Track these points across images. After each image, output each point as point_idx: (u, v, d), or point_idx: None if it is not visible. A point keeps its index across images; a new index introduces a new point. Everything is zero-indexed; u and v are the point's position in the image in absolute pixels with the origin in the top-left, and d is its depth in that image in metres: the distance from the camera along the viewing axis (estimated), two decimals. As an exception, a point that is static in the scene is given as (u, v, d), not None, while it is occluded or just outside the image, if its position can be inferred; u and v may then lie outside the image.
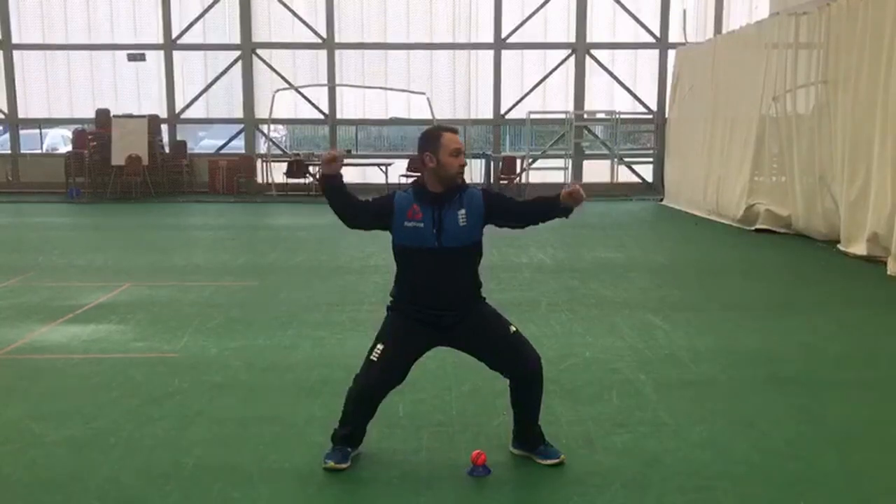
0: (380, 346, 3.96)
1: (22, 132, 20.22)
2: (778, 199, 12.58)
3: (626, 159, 19.93)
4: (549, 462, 4.01)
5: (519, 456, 4.12)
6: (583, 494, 3.74)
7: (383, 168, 18.23)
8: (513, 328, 4.03)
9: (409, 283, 3.99)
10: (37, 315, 7.19)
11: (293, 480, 3.89)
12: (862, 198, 10.03)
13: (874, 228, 9.67)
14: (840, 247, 10.46)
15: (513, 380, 4.02)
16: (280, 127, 20.93)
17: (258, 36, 19.56)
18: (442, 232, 3.88)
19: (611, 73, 19.56)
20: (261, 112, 19.48)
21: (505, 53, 19.43)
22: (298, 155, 19.13)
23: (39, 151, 20.49)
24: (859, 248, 9.95)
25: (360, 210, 4.07)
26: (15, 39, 19.64)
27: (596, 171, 19.86)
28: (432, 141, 3.90)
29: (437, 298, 3.92)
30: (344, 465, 3.97)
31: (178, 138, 19.90)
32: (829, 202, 11.15)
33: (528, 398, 4.04)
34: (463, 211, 3.91)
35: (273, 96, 18.92)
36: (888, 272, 9.04)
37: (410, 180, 18.96)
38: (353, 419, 4.03)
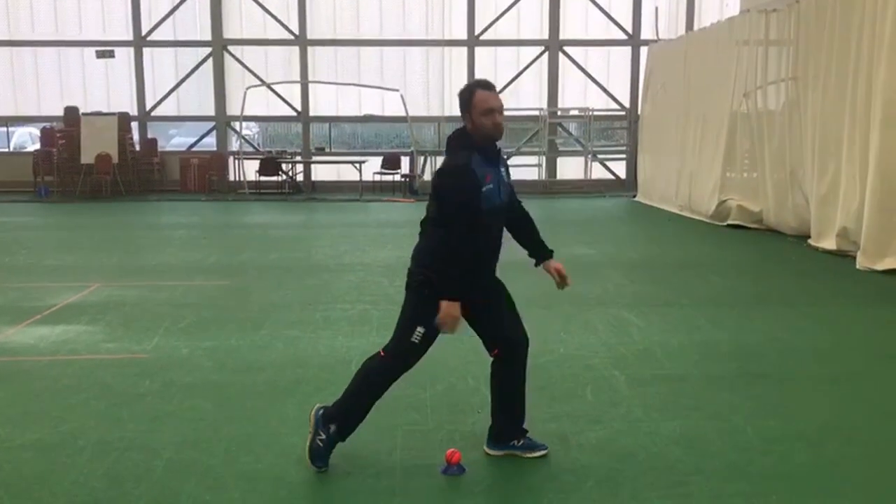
0: (420, 329, 3.87)
1: (-12, 130, 19.90)
2: (749, 195, 12.70)
3: (600, 156, 20.01)
4: (536, 454, 4.05)
5: (495, 456, 4.10)
6: (557, 491, 3.74)
7: (357, 166, 18.16)
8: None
9: (476, 250, 3.85)
10: (4, 316, 7.07)
11: (265, 482, 3.85)
12: (832, 193, 10.15)
13: (843, 223, 9.79)
14: (810, 241, 10.58)
15: (507, 349, 4.03)
16: (252, 124, 20.76)
17: (229, 32, 19.39)
18: (501, 188, 3.88)
19: (584, 70, 19.62)
20: (232, 109, 19.31)
21: (478, 50, 19.42)
22: (271, 153, 19.01)
23: (6, 150, 20.15)
24: (829, 243, 10.07)
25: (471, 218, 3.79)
26: (-20, 36, 19.32)
27: (570, 168, 19.94)
28: (465, 101, 3.86)
29: (491, 254, 3.95)
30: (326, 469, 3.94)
31: (149, 136, 19.69)
32: (800, 197, 11.27)
33: (521, 370, 4.08)
34: (503, 168, 3.96)
35: (245, 93, 18.76)
36: (857, 266, 9.16)
37: (385, 178, 18.96)
38: (367, 400, 3.96)
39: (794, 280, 8.94)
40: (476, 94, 3.83)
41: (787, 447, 4.26)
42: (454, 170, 3.78)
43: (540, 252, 4.15)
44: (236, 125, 19.42)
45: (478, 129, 3.81)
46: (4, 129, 20.28)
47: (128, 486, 3.79)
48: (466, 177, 3.73)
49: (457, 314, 3.75)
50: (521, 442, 4.09)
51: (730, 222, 12.77)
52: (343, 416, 3.95)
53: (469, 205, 3.72)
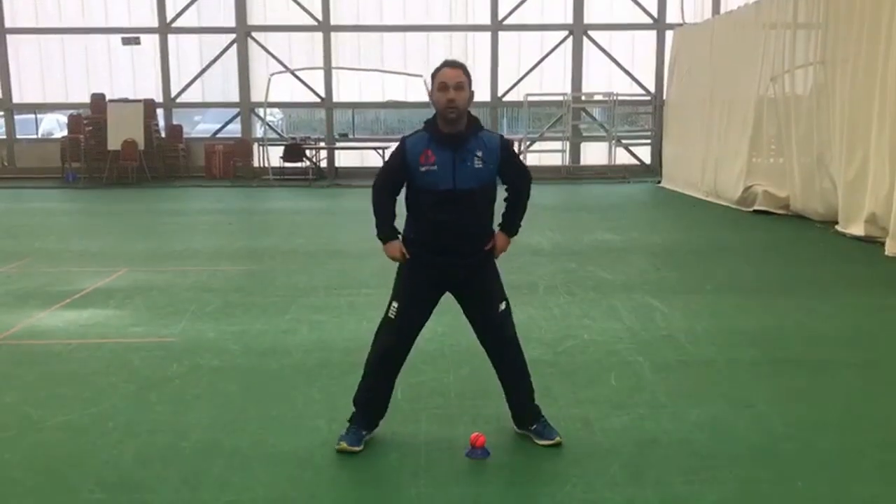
0: (395, 304, 3.99)
1: (17, 117, 20.13)
2: (776, 181, 12.56)
3: (624, 141, 19.89)
4: (543, 442, 4.03)
5: (520, 435, 4.13)
6: (581, 476, 3.75)
7: (380, 151, 18.17)
8: (503, 305, 4.06)
9: (424, 225, 3.94)
10: (34, 300, 7.18)
11: (291, 463, 3.89)
12: (860, 178, 10.01)
13: (872, 208, 9.66)
14: (838, 227, 10.46)
15: (490, 356, 4.13)
16: (276, 110, 20.85)
17: (253, 19, 19.45)
18: (457, 173, 3.82)
19: (608, 55, 19.47)
20: (257, 96, 19.40)
21: (502, 35, 19.33)
22: (295, 139, 19.07)
23: (35, 137, 20.41)
24: (857, 229, 9.95)
25: (392, 197, 4.05)
26: (8, 24, 19.53)
27: (594, 154, 19.84)
28: (432, 76, 3.85)
29: (452, 239, 3.90)
30: (357, 448, 3.98)
31: (174, 122, 19.83)
32: (828, 183, 11.13)
33: (508, 376, 4.12)
34: (480, 153, 3.86)
35: (269, 80, 18.83)
36: (886, 252, 9.04)
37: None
38: (374, 384, 4.05)
39: (821, 266, 8.84)
40: (440, 71, 3.82)
41: (813, 433, 4.23)
42: (396, 147, 3.99)
43: (503, 223, 4.13)
44: (260, 111, 19.50)
45: (435, 106, 3.84)
46: (33, 116, 20.53)
47: (156, 467, 3.85)
48: (395, 152, 3.95)
49: (392, 253, 4.00)
50: (534, 426, 4.09)
51: (756, 208, 12.66)
52: (354, 399, 4.11)
53: (388, 172, 4.01)
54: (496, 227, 4.12)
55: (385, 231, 4.02)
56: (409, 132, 4.01)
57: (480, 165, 3.85)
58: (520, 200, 4.11)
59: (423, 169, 3.83)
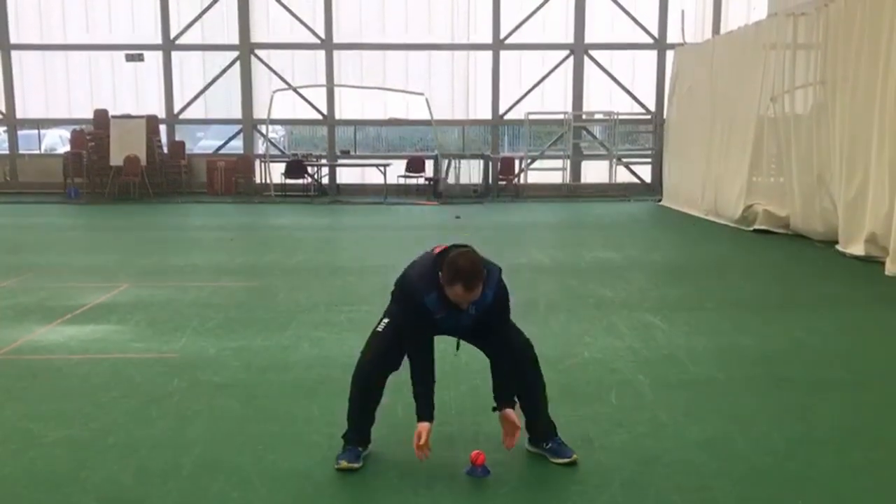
0: (385, 320, 4.06)
1: (20, 132, 20.21)
2: (776, 200, 12.59)
3: (625, 160, 19.94)
4: (559, 461, 4.02)
5: (521, 453, 4.12)
6: (582, 494, 3.75)
7: (381, 169, 18.24)
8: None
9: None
10: (35, 315, 7.18)
11: (292, 480, 3.89)
12: (860, 198, 10.04)
13: (872, 228, 9.68)
14: (838, 247, 10.47)
15: (497, 363, 4.05)
16: (278, 127, 20.93)
17: (256, 36, 19.56)
18: (459, 323, 3.96)
19: (609, 74, 19.57)
20: (259, 112, 19.48)
21: (503, 54, 19.43)
22: (297, 156, 19.13)
23: (38, 152, 20.47)
24: (857, 249, 9.96)
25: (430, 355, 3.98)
26: (13, 39, 19.63)
27: (594, 172, 19.90)
28: (448, 276, 3.73)
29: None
30: (357, 465, 3.98)
31: (177, 139, 19.89)
32: (828, 202, 11.16)
33: (522, 387, 4.07)
34: (473, 309, 3.91)
35: (271, 97, 18.92)
36: (886, 272, 9.05)
37: (409, 181, 19.01)
38: (361, 400, 4.05)
39: (821, 285, 8.86)
40: (455, 287, 3.72)
41: (813, 452, 4.23)
42: (410, 295, 3.89)
43: (502, 399, 3.98)
44: (263, 128, 19.58)
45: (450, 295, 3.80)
46: (36, 131, 20.60)
47: (156, 483, 3.85)
48: (418, 310, 3.86)
49: (418, 432, 3.80)
50: (549, 445, 4.10)
51: (756, 227, 12.68)
52: (347, 416, 4.10)
53: (419, 329, 3.90)
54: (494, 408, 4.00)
55: (426, 412, 3.86)
56: (419, 292, 3.87)
57: (473, 313, 3.91)
58: (512, 373, 4.01)
59: (437, 317, 3.90)
